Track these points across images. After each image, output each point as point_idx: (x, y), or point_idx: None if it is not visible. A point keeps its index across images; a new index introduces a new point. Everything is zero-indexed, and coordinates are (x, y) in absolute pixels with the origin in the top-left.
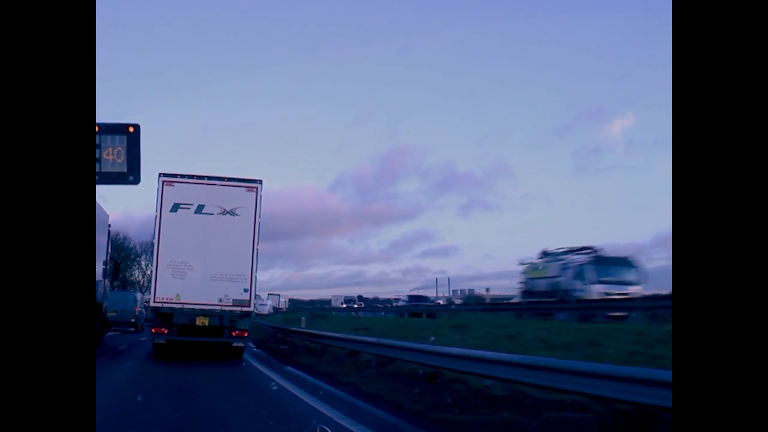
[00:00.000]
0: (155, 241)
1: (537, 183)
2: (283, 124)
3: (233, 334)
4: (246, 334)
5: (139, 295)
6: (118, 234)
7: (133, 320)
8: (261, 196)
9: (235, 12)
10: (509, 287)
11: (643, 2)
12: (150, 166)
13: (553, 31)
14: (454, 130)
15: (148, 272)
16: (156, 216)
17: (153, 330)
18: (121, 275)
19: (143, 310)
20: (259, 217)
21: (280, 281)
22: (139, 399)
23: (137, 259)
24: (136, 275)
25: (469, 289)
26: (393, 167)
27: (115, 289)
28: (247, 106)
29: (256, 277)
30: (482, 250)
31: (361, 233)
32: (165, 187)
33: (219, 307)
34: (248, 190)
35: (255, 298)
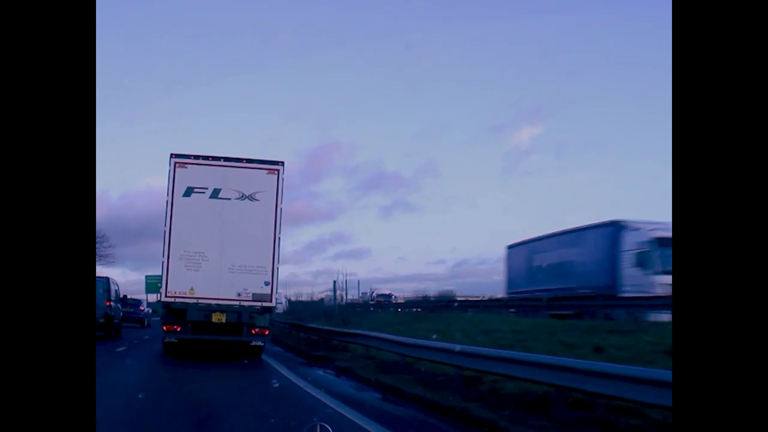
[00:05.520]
0: (166, 229)
1: (464, 184)
2: (205, 119)
3: (252, 332)
4: (267, 332)
5: (113, 284)
6: None
7: (102, 320)
8: (283, 179)
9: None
10: (416, 290)
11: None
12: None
13: (503, 30)
14: (390, 127)
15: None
16: (167, 201)
17: (164, 327)
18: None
19: (118, 305)
20: (281, 203)
21: None
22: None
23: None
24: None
25: (364, 293)
26: (320, 164)
27: None
28: (169, 93)
29: (278, 268)
30: (397, 252)
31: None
32: (177, 169)
33: (237, 303)
34: (269, 173)
35: (276, 293)
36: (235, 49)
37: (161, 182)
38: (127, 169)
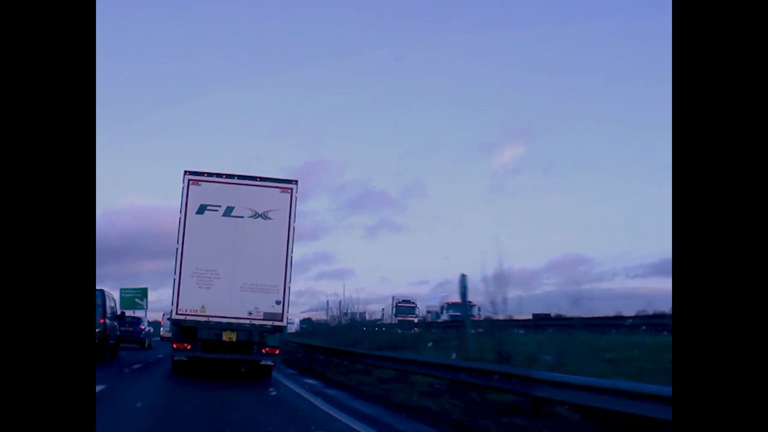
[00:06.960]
0: (178, 246)
1: (450, 204)
2: (190, 136)
3: (263, 351)
4: (277, 352)
5: (108, 299)
6: None
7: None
8: (296, 198)
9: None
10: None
11: (582, 18)
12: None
13: (494, 49)
14: (378, 146)
15: None
16: (180, 218)
17: (174, 345)
18: None
19: (115, 323)
20: (294, 222)
21: (169, 305)
22: None
23: None
24: None
25: (360, 312)
26: (306, 182)
27: None
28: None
29: (289, 288)
30: (379, 272)
31: None
32: (191, 186)
33: (248, 321)
34: (282, 191)
35: (288, 312)
36: (221, 65)
37: (145, 201)
38: (109, 186)
